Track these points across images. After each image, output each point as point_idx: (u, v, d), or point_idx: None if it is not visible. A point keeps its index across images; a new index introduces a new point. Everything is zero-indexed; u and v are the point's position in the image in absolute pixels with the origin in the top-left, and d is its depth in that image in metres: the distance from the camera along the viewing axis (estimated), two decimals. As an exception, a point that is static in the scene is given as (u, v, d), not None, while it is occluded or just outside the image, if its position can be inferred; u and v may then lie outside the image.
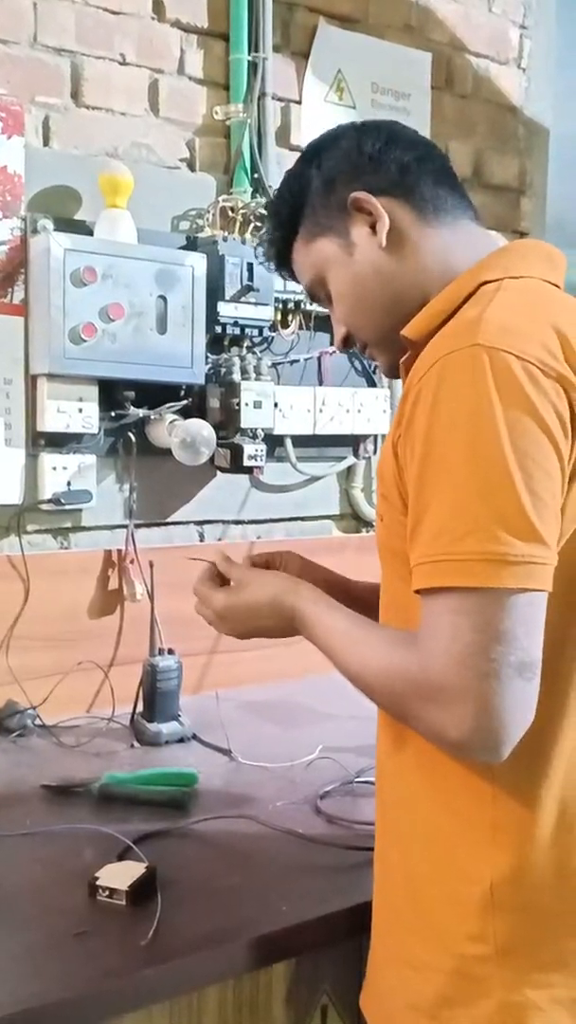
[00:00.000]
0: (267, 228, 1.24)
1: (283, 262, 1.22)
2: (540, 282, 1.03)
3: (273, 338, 2.12)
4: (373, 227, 1.10)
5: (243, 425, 1.97)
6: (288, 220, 1.17)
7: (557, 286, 1.06)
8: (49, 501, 1.86)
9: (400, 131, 1.16)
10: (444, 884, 1.01)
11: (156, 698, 1.80)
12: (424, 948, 1.02)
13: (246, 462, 1.98)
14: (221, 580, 1.27)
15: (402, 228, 1.10)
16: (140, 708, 1.82)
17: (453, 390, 0.91)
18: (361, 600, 1.20)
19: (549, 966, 0.98)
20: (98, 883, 1.18)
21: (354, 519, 2.36)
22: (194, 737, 1.79)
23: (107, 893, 1.17)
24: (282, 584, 1.17)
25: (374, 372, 2.30)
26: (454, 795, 1.00)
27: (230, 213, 2.04)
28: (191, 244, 1.99)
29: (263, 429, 2.02)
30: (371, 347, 1.18)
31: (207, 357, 1.97)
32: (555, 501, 0.90)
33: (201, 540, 2.12)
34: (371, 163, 1.11)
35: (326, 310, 1.21)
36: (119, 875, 1.19)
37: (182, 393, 1.97)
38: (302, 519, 2.27)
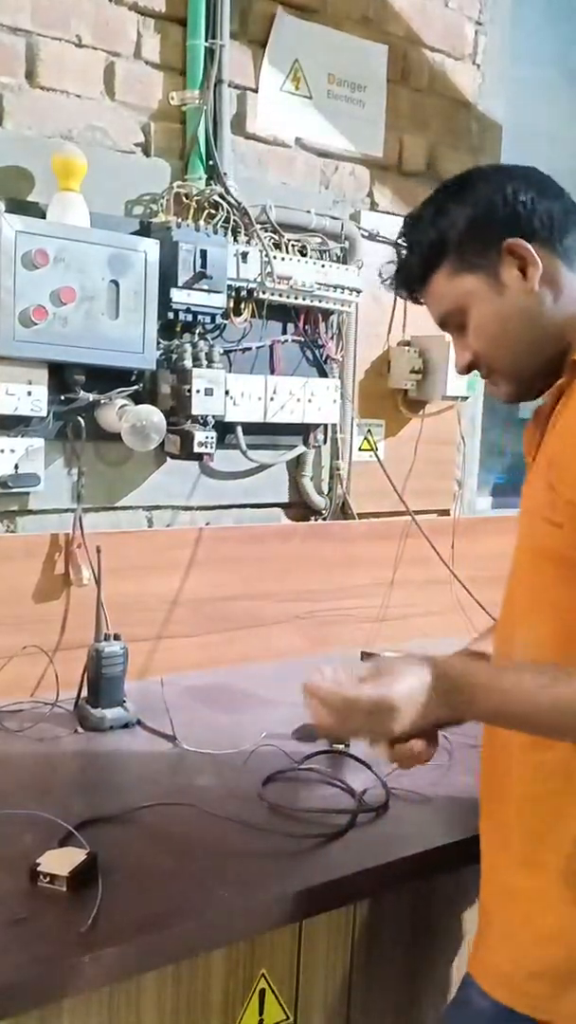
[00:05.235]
0: (400, 254, 1.30)
1: (412, 287, 1.29)
2: None
3: (225, 325, 2.12)
4: (522, 271, 1.19)
5: (194, 412, 1.97)
6: (431, 251, 1.24)
7: None
8: (-4, 484, 1.85)
9: (545, 179, 1.24)
10: None
11: (101, 683, 1.80)
12: None
13: (196, 449, 1.99)
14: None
15: (551, 275, 1.19)
16: (85, 693, 1.82)
17: None
18: None
19: None
20: (39, 869, 1.18)
21: (303, 507, 2.37)
22: (139, 723, 1.80)
23: (47, 879, 1.17)
24: (421, 662, 1.14)
25: (325, 362, 2.31)
26: None
27: (184, 199, 2.03)
28: (144, 229, 1.98)
29: (214, 416, 2.02)
30: (499, 377, 1.27)
31: (159, 343, 1.97)
32: None
33: (150, 525, 2.12)
34: (525, 210, 1.19)
35: (448, 335, 1.29)
36: (60, 861, 1.19)
37: (133, 378, 1.97)
38: (251, 506, 2.28)
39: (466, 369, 1.29)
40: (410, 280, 1.29)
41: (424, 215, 1.27)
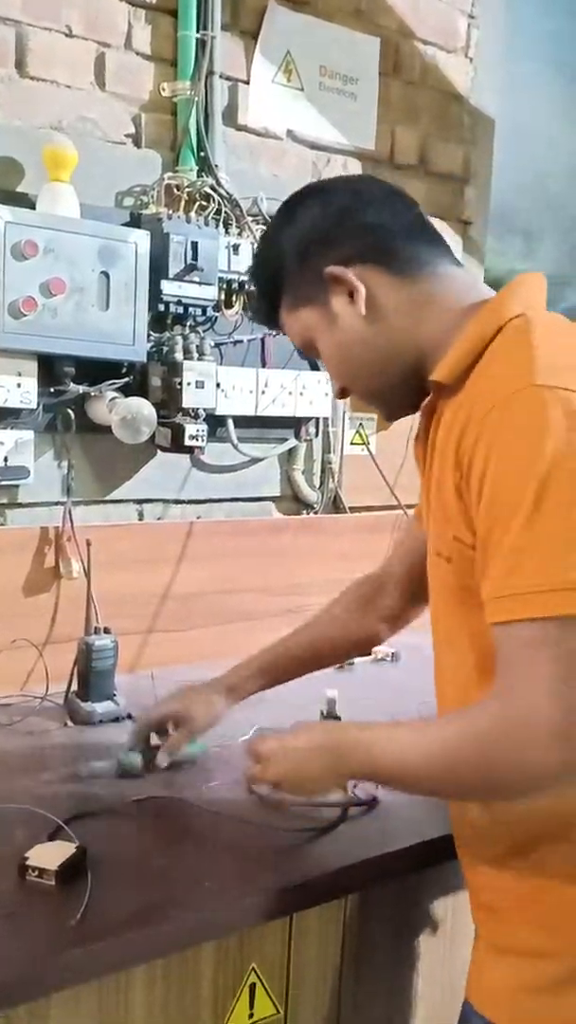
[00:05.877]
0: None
1: (271, 323, 1.28)
2: (556, 315, 1.10)
3: (216, 318, 2.11)
4: (352, 295, 1.14)
5: (185, 404, 1.96)
6: (269, 290, 1.24)
7: None
8: (-15, 477, 1.84)
9: (365, 189, 1.20)
10: None
11: (91, 677, 1.79)
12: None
13: (187, 442, 1.98)
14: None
15: (381, 293, 1.14)
16: (75, 687, 1.82)
17: (521, 429, 0.95)
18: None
19: None
20: (27, 863, 1.17)
21: (294, 501, 2.37)
22: (129, 717, 1.79)
23: (36, 873, 1.16)
24: (325, 725, 1.31)
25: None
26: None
27: (175, 191, 2.03)
28: (135, 221, 1.97)
29: (205, 409, 2.01)
30: (365, 401, 1.24)
31: (149, 335, 1.96)
32: None
33: (140, 519, 2.11)
34: (341, 231, 1.15)
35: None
36: (49, 855, 1.18)
37: (123, 371, 1.96)
38: (242, 500, 2.27)
39: (340, 395, 1.27)
40: (262, 319, 1.30)
41: (259, 251, 1.28)
